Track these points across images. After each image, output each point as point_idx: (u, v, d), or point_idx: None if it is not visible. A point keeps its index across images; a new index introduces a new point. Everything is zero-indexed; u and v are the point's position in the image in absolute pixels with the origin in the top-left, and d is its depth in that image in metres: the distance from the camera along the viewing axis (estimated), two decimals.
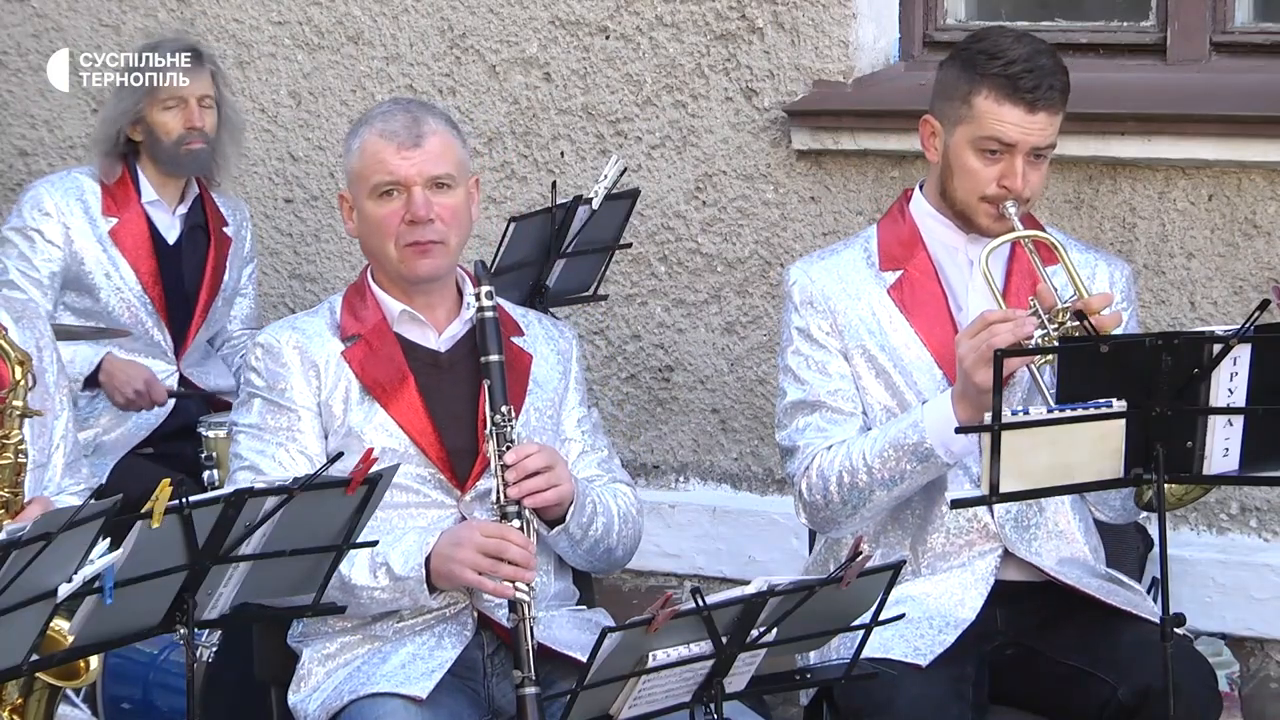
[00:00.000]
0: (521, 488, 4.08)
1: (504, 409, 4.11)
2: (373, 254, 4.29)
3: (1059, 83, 4.24)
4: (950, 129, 4.29)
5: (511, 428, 4.11)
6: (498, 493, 4.10)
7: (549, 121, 6.45)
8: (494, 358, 4.14)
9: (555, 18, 6.40)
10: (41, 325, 4.34)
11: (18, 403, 4.07)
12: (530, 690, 3.99)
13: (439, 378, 4.25)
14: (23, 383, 4.07)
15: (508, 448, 4.10)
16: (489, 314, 4.17)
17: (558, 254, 5.60)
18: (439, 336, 4.30)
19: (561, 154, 6.44)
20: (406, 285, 4.28)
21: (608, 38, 6.33)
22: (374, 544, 3.97)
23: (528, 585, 4.04)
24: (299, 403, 4.23)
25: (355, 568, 4.08)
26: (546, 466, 4.11)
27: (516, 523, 4.08)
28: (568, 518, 4.18)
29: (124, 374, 5.82)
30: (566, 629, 4.23)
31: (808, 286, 4.38)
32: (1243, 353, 3.87)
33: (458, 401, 4.22)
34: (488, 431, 4.12)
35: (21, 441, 4.08)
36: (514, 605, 4.04)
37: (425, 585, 4.08)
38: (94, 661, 3.96)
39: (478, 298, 4.18)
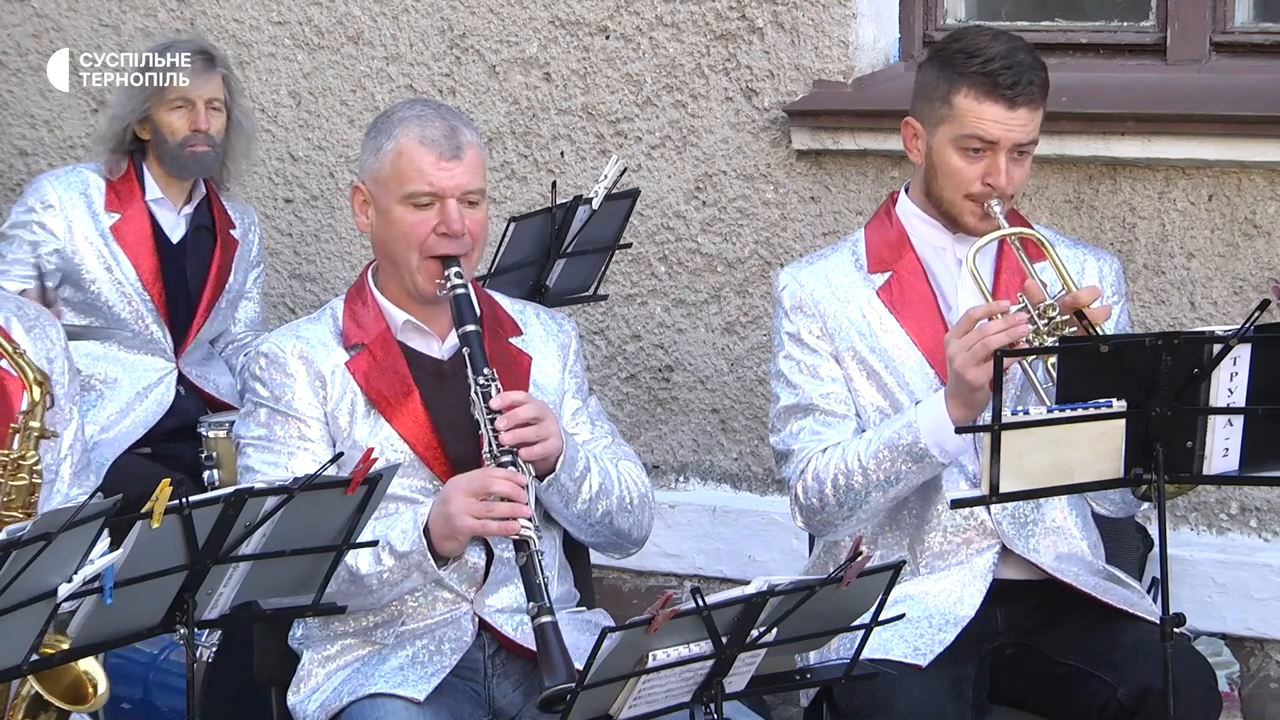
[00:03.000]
0: (515, 434, 4.06)
1: (486, 371, 4.11)
2: (390, 257, 4.24)
3: (1038, 78, 4.25)
4: (932, 129, 4.30)
5: (496, 389, 4.10)
6: (488, 443, 4.08)
7: (549, 121, 6.44)
8: (470, 328, 4.14)
9: (555, 18, 6.40)
10: (54, 334, 4.30)
11: (35, 424, 4.05)
12: (546, 619, 3.95)
13: (442, 387, 4.23)
14: (40, 404, 4.05)
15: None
16: (460, 290, 4.16)
17: (558, 254, 5.60)
18: (442, 345, 4.29)
19: (561, 154, 6.44)
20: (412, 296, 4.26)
21: (608, 38, 6.33)
22: (374, 544, 3.97)
23: (528, 520, 4.01)
24: (306, 412, 4.21)
25: (360, 557, 4.06)
26: (537, 418, 4.10)
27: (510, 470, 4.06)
28: (557, 467, 4.15)
29: None
30: (566, 632, 4.21)
31: (797, 291, 4.38)
32: (1243, 353, 3.87)
33: (461, 411, 4.18)
34: (473, 395, 4.10)
35: (38, 462, 4.06)
36: (519, 544, 4.02)
37: (429, 555, 4.06)
38: (102, 684, 3.94)
39: (446, 279, 4.16)
